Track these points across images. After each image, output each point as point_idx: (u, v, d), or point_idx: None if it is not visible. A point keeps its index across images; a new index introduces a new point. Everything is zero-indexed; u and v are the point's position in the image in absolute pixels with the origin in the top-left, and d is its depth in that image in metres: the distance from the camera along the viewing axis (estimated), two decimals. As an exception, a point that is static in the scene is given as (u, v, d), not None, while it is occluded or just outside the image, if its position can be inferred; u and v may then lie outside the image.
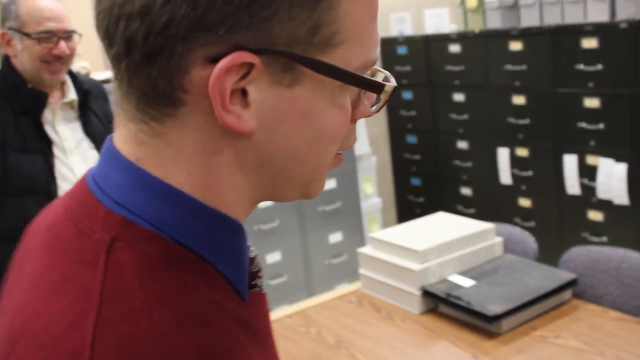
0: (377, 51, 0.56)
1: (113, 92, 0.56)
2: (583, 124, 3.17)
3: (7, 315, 0.53)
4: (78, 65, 2.93)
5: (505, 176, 3.64)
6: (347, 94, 0.55)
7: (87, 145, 1.98)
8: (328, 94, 0.53)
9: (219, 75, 0.48)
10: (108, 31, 0.51)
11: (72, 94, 1.97)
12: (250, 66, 0.49)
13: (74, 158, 1.94)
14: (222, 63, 0.48)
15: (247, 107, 0.51)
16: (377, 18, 0.56)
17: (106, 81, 2.67)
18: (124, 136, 0.54)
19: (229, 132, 0.51)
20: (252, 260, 0.60)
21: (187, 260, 0.52)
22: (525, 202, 3.59)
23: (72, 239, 0.52)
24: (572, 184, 3.28)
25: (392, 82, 0.56)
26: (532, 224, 3.52)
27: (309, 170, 0.56)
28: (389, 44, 4.16)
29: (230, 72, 0.49)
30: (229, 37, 0.48)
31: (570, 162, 3.27)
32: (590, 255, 1.89)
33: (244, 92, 0.51)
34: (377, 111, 0.59)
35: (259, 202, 0.58)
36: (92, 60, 3.09)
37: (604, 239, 3.18)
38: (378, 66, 0.60)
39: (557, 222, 3.43)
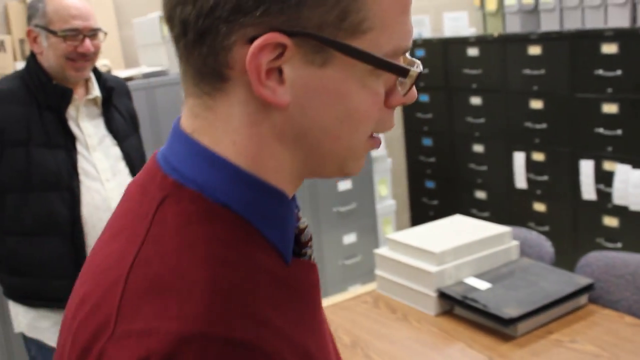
0: (409, 40, 0.61)
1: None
2: (600, 130, 3.17)
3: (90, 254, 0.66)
4: (99, 63, 2.95)
5: (521, 180, 3.64)
6: (380, 79, 0.60)
7: (109, 141, 2.01)
8: (357, 76, 0.58)
9: (254, 53, 0.55)
10: (169, 16, 0.59)
11: (96, 91, 1.99)
12: (283, 47, 0.55)
13: (97, 154, 1.97)
14: (257, 42, 0.55)
15: (283, 84, 0.57)
16: (410, 10, 0.61)
17: (127, 79, 2.70)
18: (185, 110, 0.63)
19: (267, 106, 0.58)
20: (302, 230, 0.66)
21: (226, 218, 0.58)
22: (539, 207, 3.58)
23: (135, 198, 0.62)
24: (588, 190, 3.28)
25: (419, 69, 0.61)
26: (546, 228, 3.52)
27: (343, 147, 0.61)
28: (406, 46, 4.16)
29: (264, 51, 0.55)
30: (264, 19, 0.55)
31: (586, 168, 3.26)
32: (607, 261, 1.90)
33: (280, 71, 0.57)
34: (405, 95, 0.64)
35: (302, 177, 0.64)
36: (112, 58, 3.11)
37: (619, 244, 3.17)
38: None
39: (572, 227, 3.43)
